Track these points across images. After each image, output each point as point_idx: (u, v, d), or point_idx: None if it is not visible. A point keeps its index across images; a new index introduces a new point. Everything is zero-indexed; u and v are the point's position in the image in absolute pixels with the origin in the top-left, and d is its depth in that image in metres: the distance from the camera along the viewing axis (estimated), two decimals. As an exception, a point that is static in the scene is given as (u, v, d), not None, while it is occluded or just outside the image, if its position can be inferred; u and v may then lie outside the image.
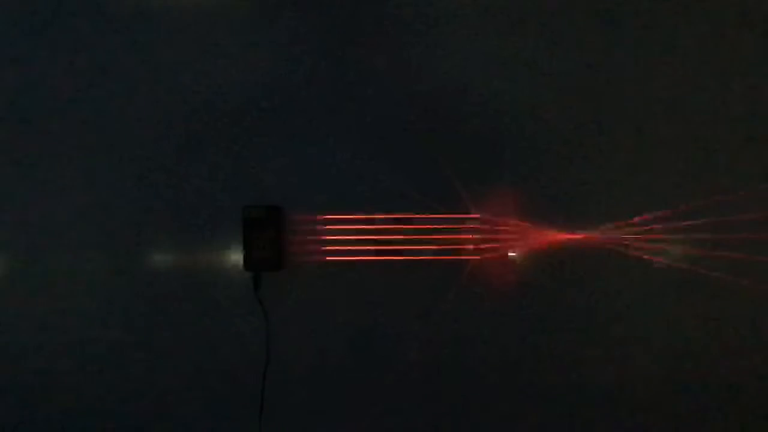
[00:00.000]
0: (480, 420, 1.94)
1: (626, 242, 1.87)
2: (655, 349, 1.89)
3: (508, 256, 1.91)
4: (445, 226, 1.90)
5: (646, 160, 1.87)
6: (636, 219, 1.86)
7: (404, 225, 1.91)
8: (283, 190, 1.94)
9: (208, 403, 1.98)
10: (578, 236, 1.88)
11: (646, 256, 1.87)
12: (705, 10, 1.85)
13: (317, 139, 1.94)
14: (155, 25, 1.96)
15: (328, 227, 1.94)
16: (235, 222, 1.92)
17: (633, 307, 1.89)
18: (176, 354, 1.98)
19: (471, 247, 1.90)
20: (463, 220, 1.90)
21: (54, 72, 1.98)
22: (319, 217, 1.94)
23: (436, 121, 1.91)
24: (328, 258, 1.94)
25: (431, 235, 1.91)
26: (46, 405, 2.02)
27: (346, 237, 1.93)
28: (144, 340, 1.99)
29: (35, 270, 2.00)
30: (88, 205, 1.99)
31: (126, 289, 1.99)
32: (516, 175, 1.90)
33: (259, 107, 1.95)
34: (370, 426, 1.97)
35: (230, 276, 1.96)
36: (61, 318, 2.00)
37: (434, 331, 1.92)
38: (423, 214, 1.90)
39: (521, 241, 1.90)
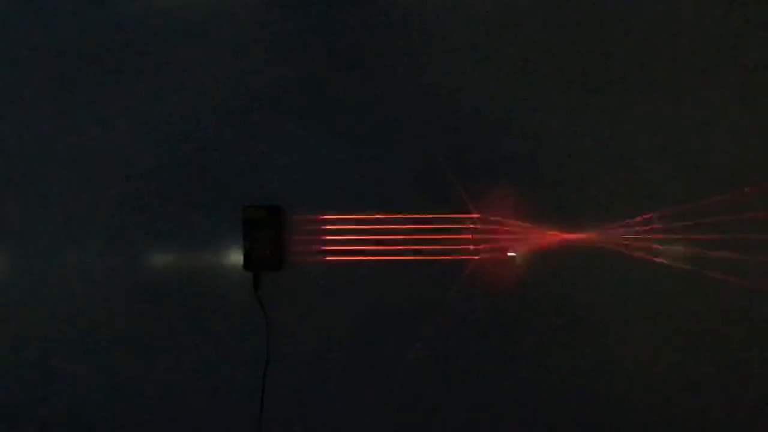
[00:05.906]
0: (480, 420, 1.94)
1: (626, 242, 1.87)
2: (655, 348, 1.89)
3: (508, 256, 1.91)
4: (445, 226, 1.90)
5: (646, 160, 1.87)
6: (636, 219, 1.86)
7: (404, 225, 1.91)
8: (283, 190, 1.94)
9: (208, 403, 1.98)
10: (578, 236, 1.88)
11: (646, 256, 1.87)
12: (704, 10, 1.85)
13: (317, 139, 1.94)
14: (155, 25, 1.96)
15: (328, 227, 1.94)
16: (235, 222, 1.92)
17: (633, 307, 1.89)
18: (176, 354, 1.98)
19: (471, 247, 1.90)
20: (463, 220, 1.90)
21: (54, 72, 1.98)
22: (319, 217, 1.94)
23: (435, 120, 1.91)
24: (328, 258, 1.94)
25: (431, 235, 1.91)
26: (45, 404, 2.02)
27: (346, 237, 1.93)
28: (144, 340, 1.99)
29: (35, 270, 2.00)
30: (88, 205, 1.99)
31: (126, 288, 1.99)
32: (516, 175, 1.90)
33: (259, 107, 1.95)
34: (370, 426, 1.96)
35: (230, 276, 1.96)
36: (62, 318, 2.00)
37: (434, 330, 1.92)
38: (423, 214, 1.90)
39: (521, 241, 1.90)
